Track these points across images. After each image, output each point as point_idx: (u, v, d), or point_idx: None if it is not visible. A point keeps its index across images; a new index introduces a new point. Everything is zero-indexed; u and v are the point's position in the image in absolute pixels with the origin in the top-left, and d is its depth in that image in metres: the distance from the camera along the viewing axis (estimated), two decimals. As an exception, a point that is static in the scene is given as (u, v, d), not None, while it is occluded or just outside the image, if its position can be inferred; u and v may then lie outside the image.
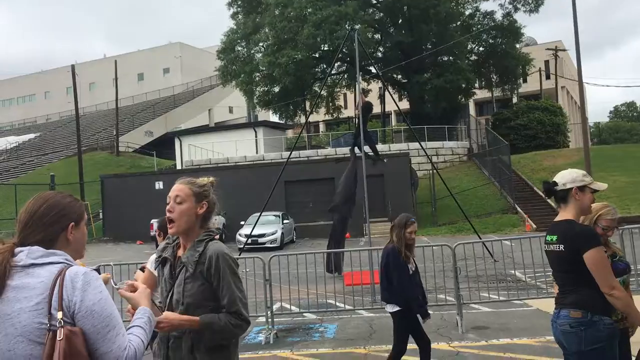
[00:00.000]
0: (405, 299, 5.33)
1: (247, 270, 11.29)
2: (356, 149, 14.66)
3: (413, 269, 5.41)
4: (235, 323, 2.60)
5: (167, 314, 2.55)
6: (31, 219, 2.08)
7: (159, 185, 30.67)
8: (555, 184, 3.43)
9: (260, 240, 22.98)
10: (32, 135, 65.91)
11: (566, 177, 3.42)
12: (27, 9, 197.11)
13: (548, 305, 3.60)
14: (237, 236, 23.60)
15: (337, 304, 10.07)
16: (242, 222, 24.64)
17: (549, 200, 27.09)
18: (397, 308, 5.38)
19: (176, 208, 2.73)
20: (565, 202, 3.42)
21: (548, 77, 53.81)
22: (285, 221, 25.69)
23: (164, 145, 50.49)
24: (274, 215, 25.05)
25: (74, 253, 2.15)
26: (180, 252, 2.74)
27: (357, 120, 14.71)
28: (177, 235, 2.79)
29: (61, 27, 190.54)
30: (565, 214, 3.41)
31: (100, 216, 33.18)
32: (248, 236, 20.06)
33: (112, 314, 1.97)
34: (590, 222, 3.79)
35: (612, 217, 3.90)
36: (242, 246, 20.25)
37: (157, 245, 5.20)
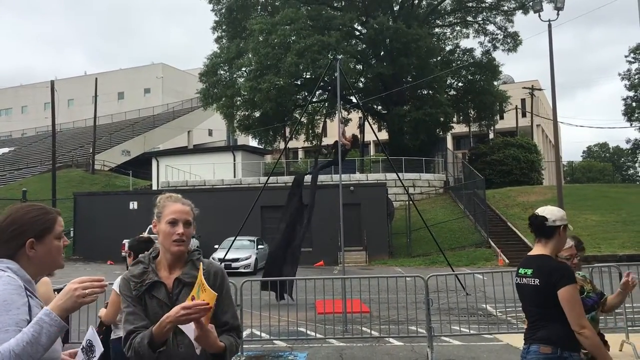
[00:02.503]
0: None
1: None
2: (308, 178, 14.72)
3: None
4: (237, 342, 2.60)
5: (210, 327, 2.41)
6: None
7: (133, 205, 30.29)
8: (546, 219, 3.45)
9: (234, 264, 22.74)
10: (6, 150, 64.81)
11: (556, 215, 3.47)
12: (7, 23, 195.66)
13: (518, 340, 3.61)
14: (210, 260, 23.36)
15: (308, 332, 9.97)
16: (216, 246, 24.41)
17: (522, 236, 27.45)
18: None
19: (186, 232, 2.63)
20: (548, 238, 3.45)
21: (524, 115, 54.92)
22: (260, 246, 25.51)
23: (140, 165, 50.04)
24: (248, 240, 24.87)
25: (38, 269, 2.12)
26: (163, 274, 2.58)
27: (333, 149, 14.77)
28: (176, 254, 2.62)
29: (41, 42, 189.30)
30: (543, 249, 3.44)
31: (71, 234, 32.57)
32: (221, 260, 19.85)
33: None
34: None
35: (569, 246, 3.97)
36: (214, 270, 20.02)
37: (127, 266, 5.12)
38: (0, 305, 1.92)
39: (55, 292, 4.26)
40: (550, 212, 3.49)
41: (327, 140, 50.19)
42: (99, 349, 2.29)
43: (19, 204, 2.22)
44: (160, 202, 2.70)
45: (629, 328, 8.69)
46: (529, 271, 3.41)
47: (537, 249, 3.48)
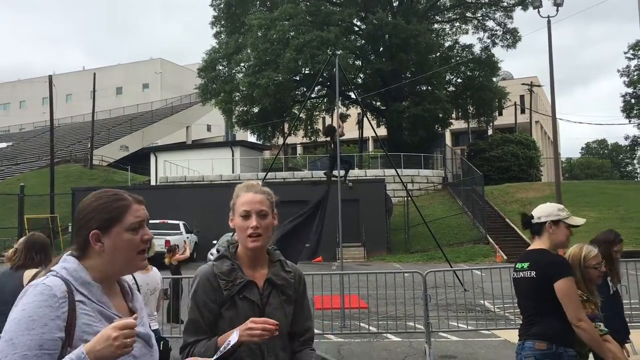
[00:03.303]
0: (612, 322, 4.36)
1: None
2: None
3: (613, 290, 4.73)
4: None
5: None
6: (75, 220, 1.87)
7: (132, 200, 30.27)
8: (532, 217, 3.49)
9: (232, 260, 22.76)
10: (4, 145, 64.69)
11: (541, 212, 3.48)
12: (5, 18, 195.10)
13: (516, 336, 3.61)
14: (209, 255, 23.31)
15: (307, 327, 9.95)
16: (215, 241, 24.39)
17: (520, 233, 27.48)
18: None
19: (262, 223, 2.32)
20: (539, 235, 3.46)
21: (523, 112, 54.89)
22: (258, 242, 25.50)
23: (139, 161, 49.97)
24: (247, 235, 24.88)
25: (110, 267, 1.80)
26: (248, 272, 2.31)
27: (332, 144, 14.71)
28: (255, 251, 2.34)
29: (39, 37, 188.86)
30: (538, 244, 3.45)
31: (69, 229, 32.54)
32: (220, 256, 19.86)
33: (10, 339, 1.59)
34: (581, 269, 3.61)
35: (595, 254, 3.82)
36: (213, 266, 20.04)
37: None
38: (24, 321, 1.62)
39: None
40: (537, 210, 3.51)
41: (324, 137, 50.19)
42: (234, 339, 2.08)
43: (102, 189, 1.91)
44: (235, 194, 2.46)
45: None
46: (525, 265, 3.41)
47: (535, 244, 3.49)
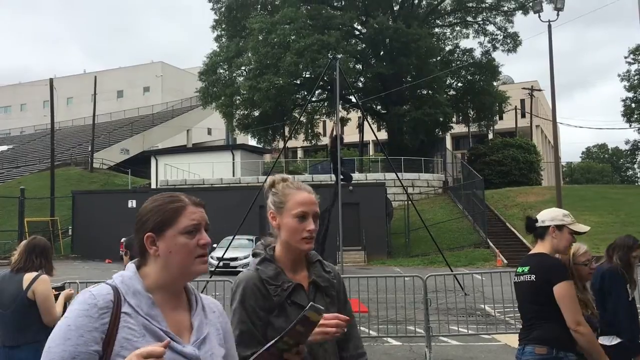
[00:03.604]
0: (629, 329, 4.36)
1: (217, 294, 11.13)
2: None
3: (632, 296, 4.58)
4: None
5: None
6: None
7: (132, 203, 30.26)
8: (536, 220, 3.49)
9: (232, 264, 22.71)
10: (4, 148, 64.73)
11: (546, 215, 3.48)
12: (5, 21, 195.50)
13: (516, 340, 3.60)
14: (209, 259, 23.35)
15: (307, 331, 9.93)
16: (215, 245, 24.38)
17: (520, 237, 27.45)
18: (617, 340, 4.33)
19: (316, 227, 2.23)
20: (542, 239, 3.46)
21: (523, 116, 54.91)
22: (258, 246, 25.47)
23: (139, 164, 50.00)
24: (247, 239, 24.85)
25: (167, 273, 1.66)
26: (289, 275, 2.19)
27: (331, 149, 14.73)
28: (303, 253, 2.23)
29: (40, 40, 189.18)
30: (540, 248, 3.46)
31: (70, 233, 32.55)
32: (220, 259, 19.83)
33: (49, 347, 1.55)
34: (569, 265, 3.71)
35: (585, 250, 3.92)
36: (213, 269, 19.99)
37: (125, 265, 5.06)
38: (63, 330, 1.54)
39: (54, 291, 4.26)
40: (542, 213, 3.52)
41: (325, 140, 50.31)
42: None
43: (162, 193, 1.82)
44: (279, 189, 2.24)
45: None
46: (526, 268, 3.42)
47: (536, 249, 3.49)
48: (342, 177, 14.43)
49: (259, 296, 2.10)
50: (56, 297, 4.25)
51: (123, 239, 5.85)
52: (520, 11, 41.16)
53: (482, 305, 11.59)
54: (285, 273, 2.17)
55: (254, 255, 2.28)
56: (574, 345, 3.24)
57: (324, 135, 48.53)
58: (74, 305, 1.58)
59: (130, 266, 1.71)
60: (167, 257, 1.66)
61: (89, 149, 48.82)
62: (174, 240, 1.67)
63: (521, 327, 3.54)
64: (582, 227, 3.49)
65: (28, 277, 4.02)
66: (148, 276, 1.67)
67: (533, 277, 3.33)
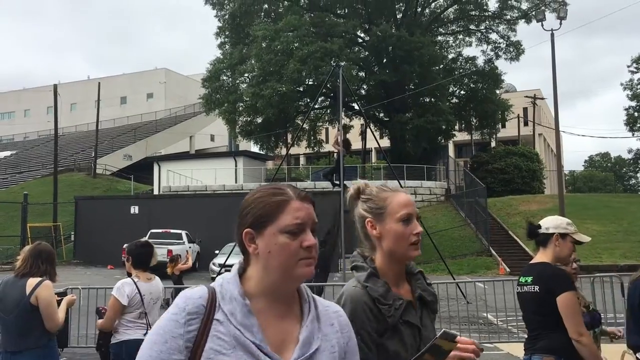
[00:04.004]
0: None
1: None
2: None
3: None
4: None
5: None
6: None
7: (135, 209, 30.29)
8: (539, 226, 3.48)
9: (234, 270, 22.70)
10: (8, 153, 64.91)
11: (550, 223, 3.47)
12: (10, 27, 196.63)
13: (519, 349, 3.60)
14: (211, 265, 23.32)
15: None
16: (217, 251, 24.38)
17: (523, 245, 27.38)
18: None
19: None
20: (544, 246, 3.45)
21: (526, 124, 54.92)
22: (260, 252, 25.46)
23: (142, 170, 50.07)
24: (249, 245, 24.84)
25: (264, 275, 1.48)
26: (395, 290, 1.97)
27: (335, 155, 14.77)
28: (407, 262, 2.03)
29: (44, 46, 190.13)
30: (542, 257, 3.45)
31: (72, 238, 32.57)
32: (222, 265, 19.82)
33: (141, 349, 1.43)
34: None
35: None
36: (215, 275, 20.00)
37: (127, 272, 5.06)
38: (153, 333, 1.42)
39: (56, 296, 4.26)
40: (545, 221, 3.51)
41: (328, 147, 50.35)
42: None
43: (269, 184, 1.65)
44: (372, 194, 2.05)
45: (630, 338, 8.64)
46: (529, 279, 3.41)
47: (538, 257, 3.48)
48: (336, 182, 14.40)
49: (371, 317, 1.86)
50: (58, 302, 4.26)
51: (125, 245, 5.86)
52: (523, 20, 41.24)
53: (485, 314, 11.56)
54: (391, 289, 1.94)
55: (356, 268, 2.03)
56: (580, 355, 3.23)
57: (327, 142, 48.63)
58: (171, 307, 1.46)
59: (235, 267, 1.54)
60: (266, 258, 1.46)
61: (92, 155, 48.93)
62: (274, 239, 1.46)
63: (527, 336, 3.53)
64: (584, 238, 3.49)
65: (31, 282, 4.03)
66: (250, 279, 1.49)
67: (536, 287, 3.33)
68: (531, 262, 3.55)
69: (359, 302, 1.88)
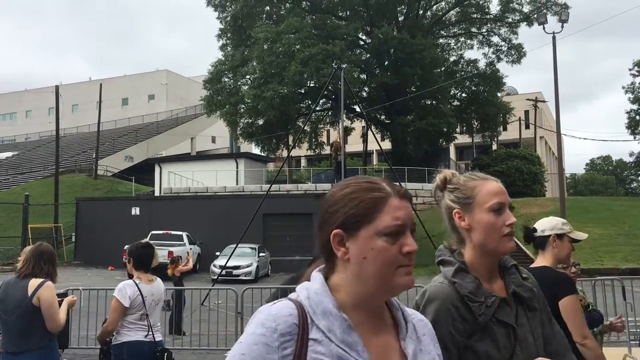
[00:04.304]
0: None
1: (220, 302, 11.14)
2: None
3: None
4: None
5: None
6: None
7: (136, 211, 30.30)
8: (535, 230, 3.47)
9: (235, 272, 22.72)
10: (9, 154, 64.97)
11: (545, 224, 3.47)
12: (12, 29, 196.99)
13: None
14: (212, 267, 23.33)
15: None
16: (218, 253, 24.39)
17: (523, 248, 27.34)
18: None
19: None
20: (542, 249, 3.45)
21: (527, 127, 54.91)
22: (261, 254, 25.48)
23: (143, 171, 50.10)
24: (250, 247, 24.84)
25: (357, 283, 1.26)
26: (486, 286, 1.80)
27: (338, 157, 14.75)
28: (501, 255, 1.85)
29: (46, 47, 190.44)
30: (542, 260, 3.44)
31: (73, 239, 32.59)
32: (222, 267, 19.83)
33: None
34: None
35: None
36: (216, 277, 20.01)
37: (128, 273, 5.06)
38: (236, 359, 1.19)
39: (57, 297, 4.26)
40: (540, 223, 3.50)
41: (329, 149, 50.35)
42: None
43: (355, 176, 1.40)
44: (459, 183, 1.92)
45: (631, 342, 8.63)
46: None
47: (538, 261, 3.47)
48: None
49: (457, 317, 1.69)
50: (59, 303, 4.26)
51: (126, 247, 5.86)
52: (525, 23, 41.25)
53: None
54: (482, 284, 1.78)
55: (443, 263, 1.90)
56: (584, 358, 3.23)
57: (328, 144, 48.68)
58: (249, 327, 1.22)
59: (317, 275, 1.30)
60: (360, 264, 1.25)
61: (94, 156, 48.97)
62: (370, 242, 1.25)
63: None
64: (580, 235, 3.48)
65: (33, 283, 4.03)
66: (339, 288, 1.27)
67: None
68: (531, 266, 3.54)
69: (445, 301, 1.71)
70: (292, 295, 1.27)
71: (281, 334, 1.17)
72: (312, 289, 1.26)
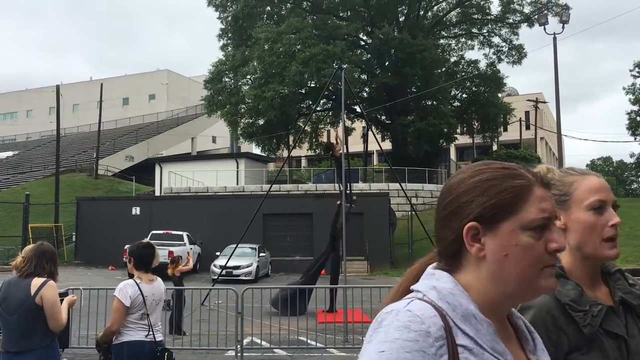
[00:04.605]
0: None
1: (220, 302, 11.14)
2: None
3: None
4: None
5: None
6: (438, 208, 1.19)
7: (136, 210, 30.31)
8: None
9: (235, 272, 22.71)
10: (10, 153, 65.01)
11: None
12: (12, 28, 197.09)
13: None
14: (212, 267, 23.33)
15: (309, 341, 9.94)
16: (218, 253, 24.38)
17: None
18: None
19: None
20: None
21: (528, 128, 54.92)
22: (261, 254, 25.48)
23: (144, 171, 50.13)
24: (250, 247, 24.84)
25: (494, 285, 1.08)
26: (589, 293, 1.60)
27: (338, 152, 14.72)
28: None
29: (46, 47, 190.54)
30: None
31: (73, 239, 32.60)
32: (223, 267, 19.83)
33: None
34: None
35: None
36: (216, 277, 20.01)
37: (128, 272, 5.07)
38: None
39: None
40: None
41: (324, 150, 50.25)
42: None
43: (483, 161, 1.21)
44: (555, 179, 1.66)
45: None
46: None
47: None
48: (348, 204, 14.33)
49: (551, 328, 1.50)
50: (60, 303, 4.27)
51: (127, 246, 5.85)
52: (526, 24, 41.28)
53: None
54: (585, 292, 1.57)
55: None
56: None
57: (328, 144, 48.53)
58: (388, 332, 1.01)
59: (441, 274, 1.11)
60: (499, 263, 1.08)
61: (94, 156, 48.99)
62: (513, 238, 1.07)
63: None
64: None
65: (36, 282, 4.03)
66: (469, 289, 1.09)
67: None
68: None
69: (541, 309, 1.52)
70: (414, 295, 1.08)
71: (435, 338, 0.99)
72: (444, 288, 1.07)
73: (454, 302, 1.05)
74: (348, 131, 41.23)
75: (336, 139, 14.32)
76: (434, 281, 1.09)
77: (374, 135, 20.93)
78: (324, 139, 46.13)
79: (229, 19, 42.72)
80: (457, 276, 1.10)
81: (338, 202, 13.57)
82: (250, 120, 41.94)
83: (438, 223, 1.16)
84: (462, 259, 1.11)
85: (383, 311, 1.06)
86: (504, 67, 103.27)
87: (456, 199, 1.12)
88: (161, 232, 25.51)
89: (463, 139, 47.95)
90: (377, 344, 1.00)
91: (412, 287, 1.11)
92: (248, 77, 40.00)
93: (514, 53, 42.49)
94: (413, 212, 24.55)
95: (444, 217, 1.14)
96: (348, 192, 14.49)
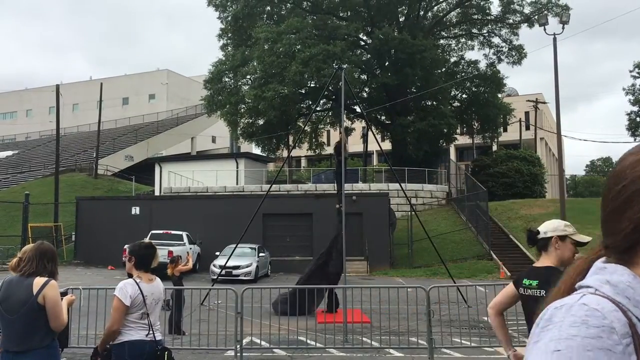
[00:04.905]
0: None
1: (219, 302, 11.14)
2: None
3: None
4: None
5: None
6: (606, 198, 1.06)
7: (136, 210, 30.30)
8: (538, 232, 3.49)
9: (235, 272, 22.70)
10: (9, 153, 65.00)
11: (548, 226, 3.49)
12: (12, 28, 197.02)
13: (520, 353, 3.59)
14: (212, 267, 23.31)
15: (308, 341, 9.94)
16: (217, 253, 24.37)
17: (524, 249, 27.37)
18: None
19: None
20: (545, 251, 3.46)
21: (528, 128, 54.92)
22: (261, 254, 25.47)
23: (143, 171, 50.11)
24: (249, 247, 24.83)
25: None
26: None
27: (339, 157, 14.71)
28: None
29: (46, 47, 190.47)
30: (545, 260, 3.45)
31: (73, 238, 32.59)
32: (222, 267, 19.82)
33: None
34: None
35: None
36: (215, 277, 20.00)
37: (127, 271, 5.06)
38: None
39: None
40: (544, 225, 3.52)
41: (329, 149, 50.32)
42: None
43: None
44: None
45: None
46: (534, 282, 3.40)
47: (542, 261, 3.48)
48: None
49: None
50: (60, 302, 4.27)
51: (126, 246, 5.84)
52: (526, 24, 41.28)
53: (485, 318, 11.54)
54: None
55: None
56: None
57: (328, 144, 48.68)
58: (562, 327, 0.89)
59: (616, 267, 0.98)
60: None
61: (94, 155, 48.97)
62: None
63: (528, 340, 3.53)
64: (584, 237, 3.50)
65: (38, 282, 4.03)
66: None
67: (543, 292, 3.33)
68: (535, 265, 3.55)
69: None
70: (588, 290, 0.96)
71: (621, 335, 0.86)
72: (620, 281, 0.94)
73: (635, 296, 0.91)
74: (348, 131, 41.26)
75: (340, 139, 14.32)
76: (607, 275, 0.96)
77: (373, 135, 20.92)
78: (324, 139, 46.17)
79: (229, 19, 42.71)
80: (634, 270, 0.97)
81: (337, 206, 13.56)
82: (250, 120, 41.94)
83: (609, 215, 1.03)
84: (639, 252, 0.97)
85: (550, 306, 0.94)
86: (503, 68, 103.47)
87: (631, 183, 0.98)
88: (161, 231, 25.50)
89: (463, 139, 47.95)
90: (549, 342, 0.88)
91: (577, 285, 0.98)
92: (248, 77, 40.00)
93: (514, 53, 42.51)
94: (413, 212, 24.55)
95: (617, 207, 1.00)
96: (341, 192, 14.50)
